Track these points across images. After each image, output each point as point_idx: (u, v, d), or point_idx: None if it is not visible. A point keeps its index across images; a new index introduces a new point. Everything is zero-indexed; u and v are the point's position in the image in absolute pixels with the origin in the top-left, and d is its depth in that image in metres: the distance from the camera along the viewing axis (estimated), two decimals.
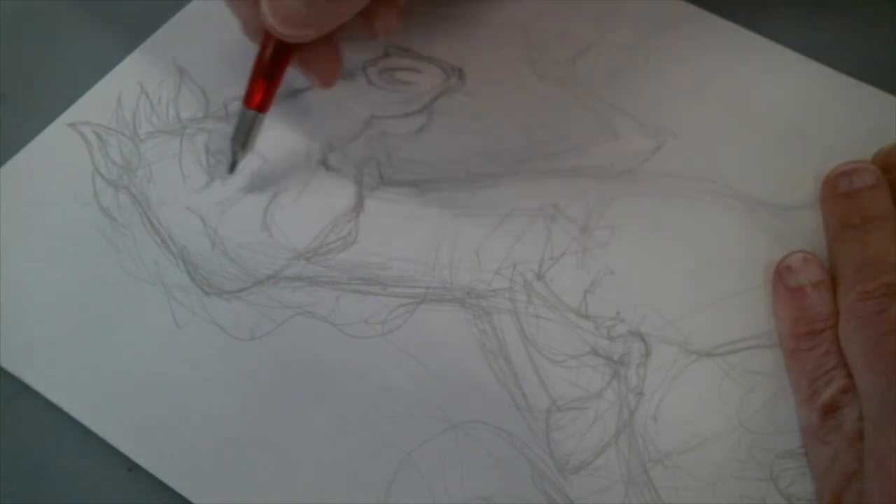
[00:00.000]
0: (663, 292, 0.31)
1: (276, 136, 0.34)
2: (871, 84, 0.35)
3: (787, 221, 0.32)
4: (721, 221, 0.32)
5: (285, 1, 0.30)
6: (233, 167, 0.33)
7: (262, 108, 0.32)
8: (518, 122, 0.34)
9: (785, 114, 0.35)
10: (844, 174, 0.31)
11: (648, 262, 0.32)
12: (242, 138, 0.32)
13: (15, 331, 0.31)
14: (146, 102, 0.35)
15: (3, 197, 0.34)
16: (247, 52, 0.35)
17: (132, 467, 0.29)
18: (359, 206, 0.33)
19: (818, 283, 0.30)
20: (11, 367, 0.31)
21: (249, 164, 0.34)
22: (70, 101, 0.35)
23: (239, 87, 0.35)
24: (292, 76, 0.34)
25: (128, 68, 0.36)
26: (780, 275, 0.30)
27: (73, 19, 0.38)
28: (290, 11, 0.30)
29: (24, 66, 0.37)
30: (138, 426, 0.30)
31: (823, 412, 0.27)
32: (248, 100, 0.32)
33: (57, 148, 0.34)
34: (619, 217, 0.32)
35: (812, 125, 0.34)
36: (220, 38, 0.36)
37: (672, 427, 0.29)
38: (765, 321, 0.30)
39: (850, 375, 0.28)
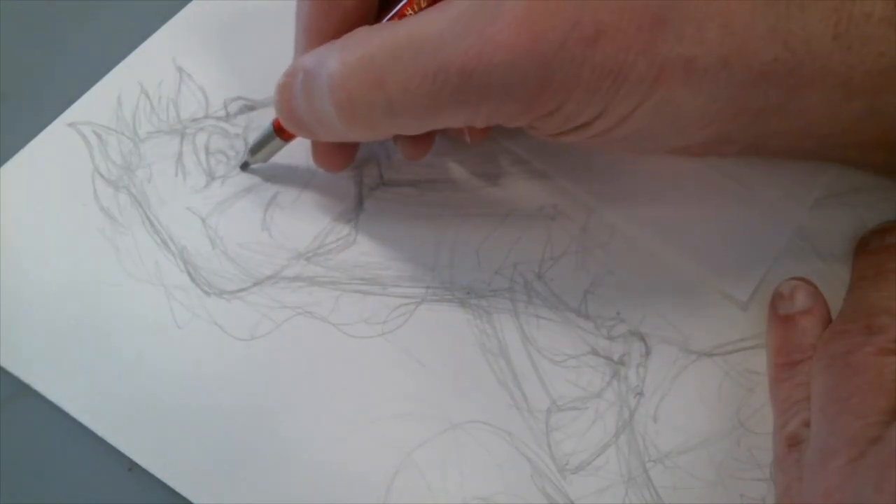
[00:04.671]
0: (663, 292, 0.31)
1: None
2: None
3: (788, 221, 0.32)
4: (722, 220, 0.32)
5: (293, 99, 0.28)
6: (244, 167, 0.34)
7: (280, 132, 0.32)
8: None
9: None
10: (878, 232, 0.30)
11: (648, 261, 0.32)
12: (256, 149, 0.33)
13: (15, 331, 0.31)
14: (146, 102, 0.35)
15: (3, 197, 0.34)
16: (247, 52, 0.36)
17: (132, 467, 0.29)
18: (359, 206, 0.33)
19: (806, 312, 0.29)
20: (11, 367, 0.31)
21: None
22: (70, 101, 0.35)
23: (239, 87, 0.35)
24: None
25: (128, 68, 0.36)
26: (774, 301, 0.30)
27: (73, 19, 0.38)
28: (292, 108, 0.28)
29: (24, 66, 0.37)
30: (138, 426, 0.30)
31: (787, 444, 0.27)
32: (277, 119, 0.32)
33: (57, 148, 0.34)
34: (619, 217, 0.32)
35: None
36: (220, 38, 0.36)
37: (672, 427, 0.29)
38: (765, 321, 0.30)
39: None
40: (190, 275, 0.32)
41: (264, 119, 0.34)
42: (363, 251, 0.32)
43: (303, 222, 0.33)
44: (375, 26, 0.27)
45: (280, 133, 0.32)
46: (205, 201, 0.33)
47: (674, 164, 0.33)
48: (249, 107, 0.35)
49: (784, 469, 0.27)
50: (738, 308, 0.31)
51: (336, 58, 0.26)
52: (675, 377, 0.30)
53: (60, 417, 0.30)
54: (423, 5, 0.27)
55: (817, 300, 0.29)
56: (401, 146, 0.32)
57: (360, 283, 0.32)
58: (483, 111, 0.26)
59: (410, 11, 0.27)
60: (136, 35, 0.37)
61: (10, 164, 0.34)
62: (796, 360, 0.28)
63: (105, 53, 0.36)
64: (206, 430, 0.29)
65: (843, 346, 0.26)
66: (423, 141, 0.31)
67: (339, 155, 0.32)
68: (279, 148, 0.33)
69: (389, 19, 0.28)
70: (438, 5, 0.26)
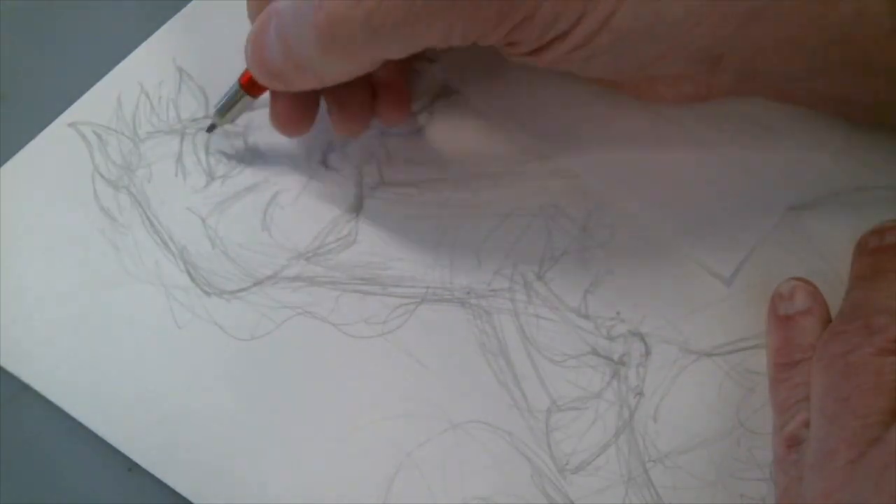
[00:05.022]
0: (663, 292, 0.31)
1: (275, 135, 0.34)
2: None
3: (788, 222, 0.32)
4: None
5: (266, 52, 0.29)
6: (210, 129, 0.34)
7: (249, 88, 0.32)
8: (518, 122, 0.34)
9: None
10: (877, 232, 0.30)
11: (648, 262, 0.32)
12: (224, 109, 0.33)
13: (15, 331, 0.31)
14: (146, 102, 0.35)
15: (3, 197, 0.34)
16: None
17: (132, 467, 0.29)
18: (359, 206, 0.33)
19: (806, 312, 0.29)
20: (11, 367, 0.31)
21: (250, 164, 0.34)
22: (70, 101, 0.35)
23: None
24: None
25: (128, 68, 0.36)
26: (773, 301, 0.30)
27: (73, 19, 0.38)
28: (266, 58, 0.29)
29: (24, 66, 0.37)
30: (138, 426, 0.30)
31: (786, 444, 0.27)
32: (242, 75, 0.32)
33: (57, 148, 0.35)
34: (619, 217, 0.32)
35: (814, 126, 0.34)
36: (220, 38, 0.36)
37: (672, 427, 0.29)
38: (765, 321, 0.30)
39: None
40: (190, 275, 0.32)
41: (265, 119, 0.34)
42: (363, 251, 0.32)
43: (303, 222, 0.33)
44: None
45: (249, 89, 0.32)
46: (205, 201, 0.33)
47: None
48: (250, 107, 0.35)
49: (784, 469, 0.27)
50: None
51: None
52: (675, 377, 0.30)
53: (60, 417, 0.30)
54: None
55: (817, 300, 0.29)
56: (336, 121, 0.32)
57: (360, 283, 0.32)
58: (459, 22, 0.26)
59: None
60: (136, 35, 0.37)
61: (10, 164, 0.34)
62: (796, 361, 0.28)
63: (105, 53, 0.36)
64: (206, 430, 0.29)
65: (842, 346, 0.26)
66: (356, 115, 0.32)
67: (299, 115, 0.32)
68: (247, 107, 0.32)
69: None
70: None
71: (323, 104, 0.33)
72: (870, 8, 0.27)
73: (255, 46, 0.29)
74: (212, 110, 0.34)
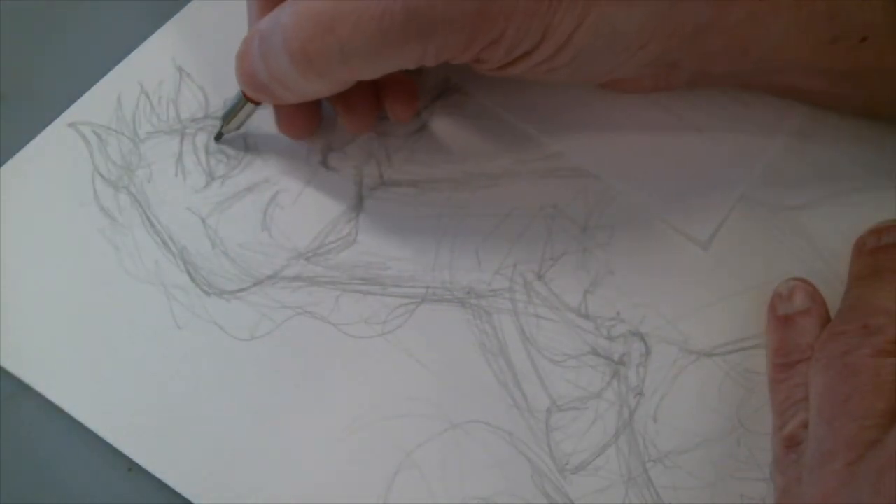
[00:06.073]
0: (663, 292, 0.31)
1: (276, 135, 0.34)
2: None
3: (787, 221, 0.32)
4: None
5: (252, 63, 0.29)
6: (218, 137, 0.34)
7: (250, 97, 0.32)
8: (518, 122, 0.34)
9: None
10: (874, 232, 0.30)
11: (648, 262, 0.32)
12: (228, 116, 0.33)
13: (15, 331, 0.31)
14: (146, 102, 0.35)
15: (3, 197, 0.34)
16: None
17: (132, 467, 0.29)
18: (359, 206, 0.33)
19: (805, 312, 0.29)
20: (11, 367, 0.31)
21: (250, 164, 0.34)
22: (70, 101, 0.35)
23: (239, 87, 0.35)
24: None
25: (128, 68, 0.36)
26: (773, 301, 0.30)
27: (73, 19, 0.38)
28: (252, 73, 0.29)
29: (24, 66, 0.37)
30: (138, 426, 0.30)
31: (785, 445, 0.27)
32: None
33: (57, 148, 0.34)
34: (619, 217, 0.32)
35: (812, 124, 0.34)
36: (220, 38, 0.36)
37: (672, 427, 0.29)
38: (764, 321, 0.30)
39: None
40: (190, 275, 0.32)
41: (265, 119, 0.34)
42: (363, 251, 0.32)
43: (303, 222, 0.33)
44: None
45: (250, 98, 0.32)
46: (205, 201, 0.33)
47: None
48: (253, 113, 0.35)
49: (782, 470, 0.27)
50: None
51: (287, 12, 0.27)
52: (675, 377, 0.30)
53: (60, 417, 0.30)
54: None
55: (816, 300, 0.29)
56: (344, 120, 0.33)
57: (360, 283, 0.32)
58: (431, 47, 0.27)
59: None
60: (136, 35, 0.37)
61: (10, 164, 0.34)
62: (795, 361, 0.28)
63: (105, 53, 0.36)
64: (206, 430, 0.29)
65: (840, 346, 0.26)
66: (363, 115, 0.33)
67: (301, 119, 0.33)
68: (250, 113, 0.33)
69: None
70: None
71: (327, 106, 0.34)
72: (805, 16, 0.29)
73: (242, 63, 0.30)
74: (219, 115, 0.34)
